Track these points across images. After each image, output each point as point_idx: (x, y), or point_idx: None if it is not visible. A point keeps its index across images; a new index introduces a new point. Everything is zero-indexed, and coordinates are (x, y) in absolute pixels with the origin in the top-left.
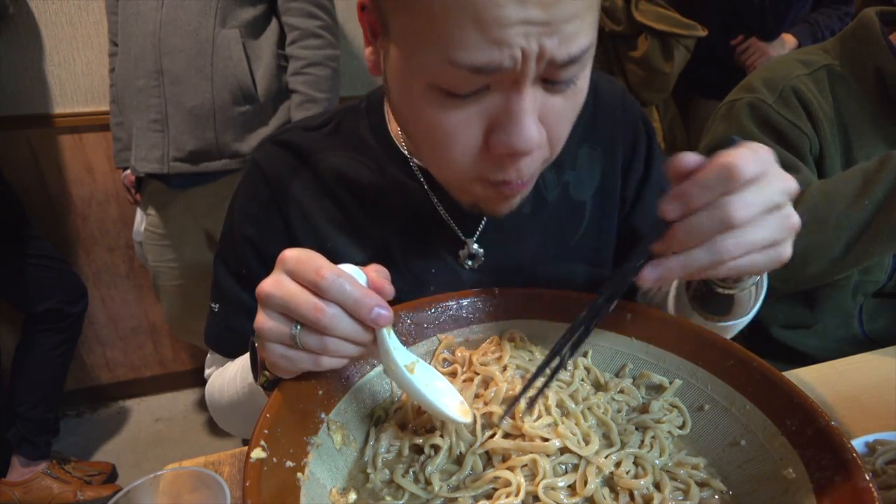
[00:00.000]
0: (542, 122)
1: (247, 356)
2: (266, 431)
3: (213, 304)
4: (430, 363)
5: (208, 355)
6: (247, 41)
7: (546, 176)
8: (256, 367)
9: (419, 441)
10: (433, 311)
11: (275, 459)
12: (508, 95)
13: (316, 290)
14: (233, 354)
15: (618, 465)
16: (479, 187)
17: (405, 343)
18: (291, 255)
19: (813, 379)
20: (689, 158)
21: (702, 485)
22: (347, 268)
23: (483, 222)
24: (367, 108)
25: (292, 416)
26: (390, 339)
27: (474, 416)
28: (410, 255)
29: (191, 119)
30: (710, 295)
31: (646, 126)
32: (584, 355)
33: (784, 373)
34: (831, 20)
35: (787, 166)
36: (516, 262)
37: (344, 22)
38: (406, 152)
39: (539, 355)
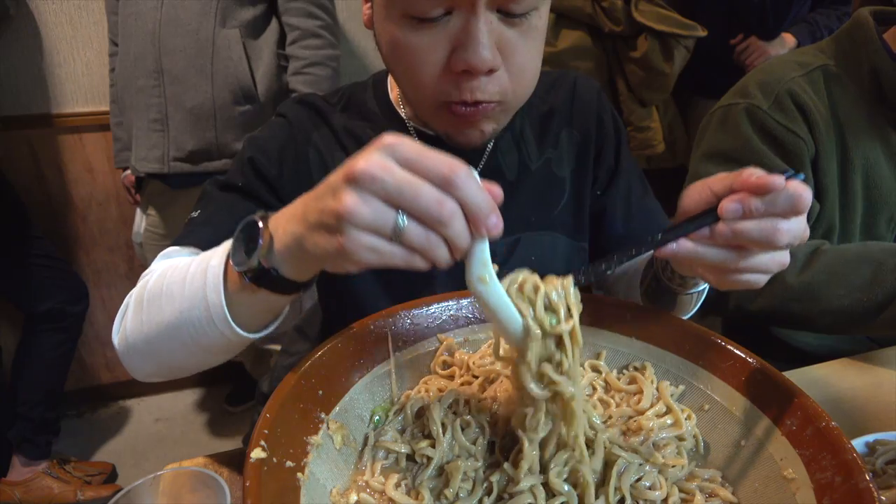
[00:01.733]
0: (500, 51)
1: (206, 255)
2: (266, 431)
3: (192, 214)
4: (430, 364)
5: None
6: (247, 41)
7: (530, 147)
8: (248, 249)
9: (415, 447)
10: (433, 310)
11: (275, 459)
12: (467, 18)
13: (443, 183)
14: (202, 245)
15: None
16: (444, 113)
17: (403, 346)
18: (401, 140)
19: (813, 379)
20: (776, 180)
21: (710, 495)
22: None
23: None
24: (373, 83)
25: (292, 416)
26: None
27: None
28: None
29: (191, 119)
30: (660, 292)
31: (616, 122)
32: (598, 357)
33: (784, 373)
34: (830, 20)
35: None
36: (503, 225)
37: (344, 22)
38: (404, 116)
39: None
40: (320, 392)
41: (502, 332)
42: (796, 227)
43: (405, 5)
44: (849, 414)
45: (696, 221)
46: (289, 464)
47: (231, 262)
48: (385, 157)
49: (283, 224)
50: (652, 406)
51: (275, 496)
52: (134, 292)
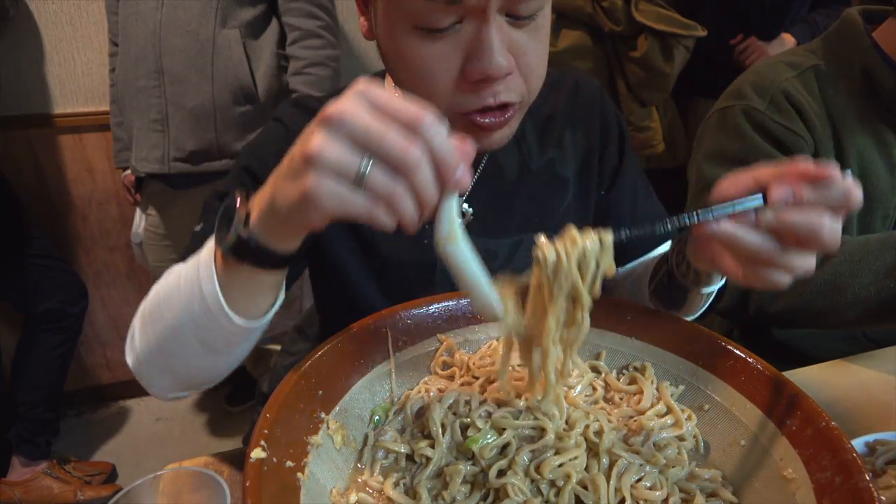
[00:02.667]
0: (511, 54)
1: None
2: (266, 431)
3: (195, 228)
4: (430, 365)
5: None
6: (247, 41)
7: (531, 147)
8: (228, 226)
9: (415, 448)
10: (433, 310)
11: (275, 459)
12: (478, 26)
13: (410, 126)
14: None
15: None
16: (464, 124)
17: (403, 346)
18: (373, 87)
19: (813, 379)
20: (835, 170)
21: (711, 495)
22: None
23: (472, 183)
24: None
25: (292, 416)
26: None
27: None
28: None
29: (191, 119)
30: (672, 290)
31: (619, 121)
32: (598, 357)
33: (784, 373)
34: (830, 20)
35: None
36: (504, 226)
37: (344, 22)
38: None
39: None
40: (320, 392)
41: (472, 299)
42: (838, 228)
43: (415, 18)
44: (849, 414)
45: (740, 203)
46: (289, 464)
47: (216, 244)
48: (356, 101)
49: (259, 193)
50: (652, 406)
51: (275, 496)
52: (137, 313)
